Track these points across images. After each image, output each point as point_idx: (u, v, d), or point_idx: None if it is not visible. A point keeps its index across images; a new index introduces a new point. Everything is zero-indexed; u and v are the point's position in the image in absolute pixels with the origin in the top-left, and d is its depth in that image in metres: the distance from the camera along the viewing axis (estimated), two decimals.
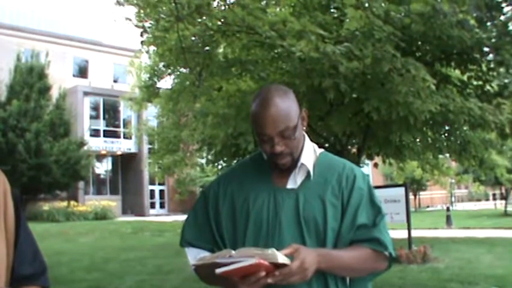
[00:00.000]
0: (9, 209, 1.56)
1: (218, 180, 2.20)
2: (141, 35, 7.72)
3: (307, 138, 2.12)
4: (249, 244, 1.96)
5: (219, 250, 1.92)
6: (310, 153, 2.09)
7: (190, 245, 2.14)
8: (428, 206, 49.86)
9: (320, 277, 1.93)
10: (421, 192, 46.88)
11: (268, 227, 1.98)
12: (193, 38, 8.05)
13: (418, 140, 8.89)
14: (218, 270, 1.73)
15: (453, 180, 43.16)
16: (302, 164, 2.03)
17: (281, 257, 1.73)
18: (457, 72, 7.61)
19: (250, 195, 2.05)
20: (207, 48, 7.99)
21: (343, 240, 1.98)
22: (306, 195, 2.00)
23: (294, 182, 2.04)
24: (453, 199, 50.97)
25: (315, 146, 2.16)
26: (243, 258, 1.71)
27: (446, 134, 8.58)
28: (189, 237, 2.14)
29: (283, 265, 1.76)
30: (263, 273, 1.74)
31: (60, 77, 34.54)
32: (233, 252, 1.77)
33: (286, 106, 1.95)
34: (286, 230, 1.95)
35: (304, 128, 2.07)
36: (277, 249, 1.78)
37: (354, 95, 6.55)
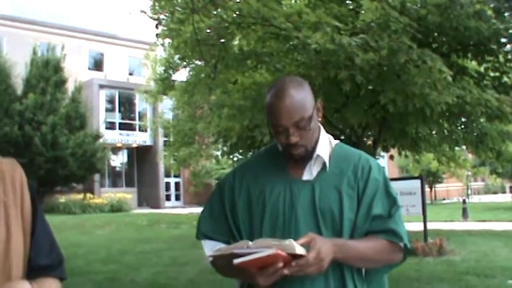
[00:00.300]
0: (26, 201, 1.57)
1: (233, 173, 2.21)
2: (156, 27, 7.73)
3: (322, 130, 2.12)
4: (265, 236, 1.96)
5: (236, 242, 1.92)
6: (325, 144, 2.09)
7: (206, 237, 2.14)
8: (444, 199, 49.58)
9: (336, 268, 1.94)
10: (437, 185, 46.65)
11: (284, 218, 1.99)
12: (208, 30, 8.04)
13: (434, 132, 8.84)
14: (236, 261, 1.72)
15: (469, 173, 42.93)
16: (318, 155, 2.03)
17: (299, 248, 1.73)
18: (474, 63, 7.54)
19: (266, 187, 2.05)
20: (222, 40, 7.98)
21: (359, 230, 1.98)
22: (322, 186, 2.01)
23: (309, 173, 2.04)
24: (469, 192, 50.65)
25: (331, 137, 2.16)
26: (261, 248, 1.70)
27: (463, 126, 8.51)
28: (205, 230, 2.15)
29: (300, 256, 1.76)
30: (281, 264, 1.75)
31: (75, 70, 34.70)
32: (250, 243, 1.77)
33: (301, 97, 1.95)
34: (302, 221, 1.95)
35: (319, 119, 2.07)
36: (294, 240, 1.79)
37: (370, 87, 6.52)
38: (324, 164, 2.04)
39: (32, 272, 1.56)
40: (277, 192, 2.03)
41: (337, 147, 2.12)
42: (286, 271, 1.77)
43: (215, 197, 2.19)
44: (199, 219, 2.20)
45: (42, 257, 1.58)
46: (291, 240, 1.74)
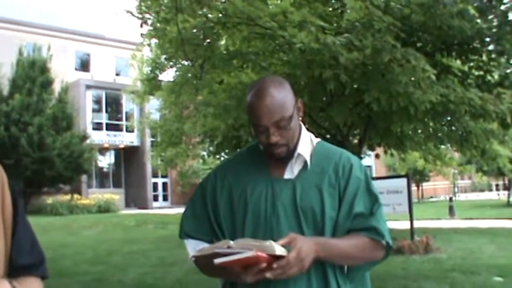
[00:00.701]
0: (6, 200, 1.57)
1: (215, 172, 2.22)
2: (141, 26, 7.72)
3: (303, 128, 2.13)
4: (247, 235, 1.97)
5: (218, 241, 1.92)
6: (307, 142, 2.10)
7: (189, 236, 2.15)
8: (431, 197, 49.80)
9: (318, 267, 1.95)
10: (424, 183, 46.85)
11: (266, 217, 1.99)
12: (194, 30, 8.05)
13: (419, 130, 8.88)
14: (217, 261, 1.74)
15: (456, 171, 43.18)
16: (299, 154, 2.05)
17: (279, 249, 1.74)
18: (458, 62, 7.59)
19: (248, 185, 2.06)
20: (208, 40, 7.98)
21: (341, 229, 1.99)
22: (303, 185, 2.02)
23: (291, 172, 2.05)
24: (456, 190, 50.88)
25: (312, 135, 2.17)
26: (242, 249, 1.72)
27: (447, 125, 8.55)
28: (188, 229, 2.16)
29: (281, 257, 1.77)
30: (264, 265, 1.76)
31: (62, 71, 34.53)
32: (231, 242, 1.78)
33: (281, 97, 1.96)
34: (284, 220, 1.96)
35: (300, 118, 2.09)
36: (276, 240, 1.80)
37: (355, 86, 6.55)
38: (305, 162, 2.05)
39: (14, 271, 1.55)
40: (259, 191, 2.03)
41: (318, 145, 2.13)
42: (268, 275, 1.78)
43: (197, 197, 2.20)
44: (182, 218, 2.20)
45: (24, 257, 1.58)
46: (271, 241, 1.74)
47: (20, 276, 1.55)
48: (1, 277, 1.51)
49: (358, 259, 2.02)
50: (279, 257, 1.77)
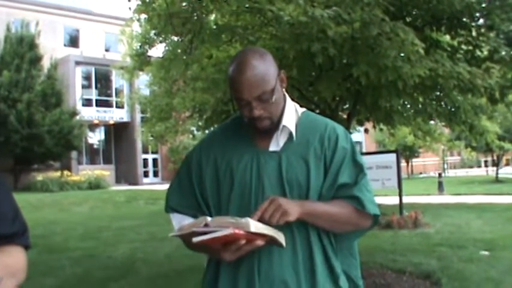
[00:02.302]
0: None
1: (200, 145, 2.21)
2: (129, 0, 7.64)
3: (288, 99, 2.12)
4: (233, 207, 1.99)
5: (203, 215, 1.92)
6: (291, 114, 2.09)
7: (174, 210, 2.15)
8: (421, 173, 50.17)
9: (304, 238, 1.96)
10: (414, 159, 47.15)
11: (251, 189, 1.99)
12: (183, 4, 7.97)
13: (408, 105, 8.87)
14: (195, 239, 1.74)
15: (445, 147, 43.37)
16: (284, 126, 2.03)
17: (254, 226, 1.74)
18: (447, 37, 7.56)
19: (233, 158, 2.06)
20: (197, 14, 7.91)
21: (324, 200, 1.99)
22: (289, 157, 2.01)
23: (276, 144, 2.05)
24: (446, 166, 51.26)
25: (297, 105, 2.16)
26: (218, 228, 1.72)
27: (436, 99, 8.54)
28: (173, 203, 2.16)
29: (262, 235, 1.78)
30: (243, 242, 1.76)
31: (51, 47, 34.34)
32: (209, 219, 1.79)
33: (262, 69, 1.94)
34: (269, 192, 1.96)
35: (284, 89, 2.07)
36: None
37: (343, 60, 6.52)
38: (291, 134, 2.04)
39: None
40: (244, 163, 2.03)
41: (303, 116, 2.12)
42: (259, 242, 1.79)
43: (183, 170, 2.19)
44: (167, 192, 2.21)
45: (5, 226, 1.57)
46: (247, 218, 1.74)
47: (2, 245, 1.54)
48: None
49: (344, 224, 2.00)
50: (258, 235, 1.77)
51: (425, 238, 10.46)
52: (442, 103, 8.76)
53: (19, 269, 1.58)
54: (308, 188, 1.97)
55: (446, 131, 17.55)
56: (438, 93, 8.08)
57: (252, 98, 1.92)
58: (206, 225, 1.77)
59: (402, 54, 5.68)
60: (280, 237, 1.85)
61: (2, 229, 1.56)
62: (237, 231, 1.69)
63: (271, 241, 1.84)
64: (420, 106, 8.76)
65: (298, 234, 1.95)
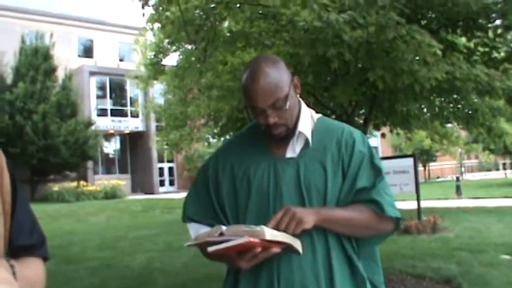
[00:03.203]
0: (5, 181, 1.55)
1: (216, 154, 2.22)
2: (143, 7, 7.67)
3: (303, 105, 2.12)
4: (251, 216, 1.99)
5: (220, 224, 1.91)
6: (307, 120, 2.09)
7: (191, 220, 2.16)
8: (438, 177, 49.79)
9: (323, 244, 1.94)
10: (431, 163, 46.89)
11: (269, 197, 1.99)
12: (196, 11, 8.01)
13: (424, 108, 8.81)
14: (210, 249, 1.74)
15: (463, 151, 43.07)
16: (300, 132, 2.03)
17: (269, 234, 1.73)
18: (463, 39, 7.51)
19: (250, 166, 2.06)
20: (211, 21, 7.94)
21: (342, 205, 1.98)
22: (306, 163, 2.01)
23: (293, 150, 2.04)
24: (463, 169, 50.85)
25: (312, 111, 2.16)
26: (233, 237, 1.71)
27: (453, 102, 8.48)
28: (190, 213, 2.17)
29: (278, 242, 1.77)
30: (259, 250, 1.76)
31: (65, 58, 34.58)
32: (224, 228, 1.78)
33: (276, 76, 1.94)
34: (287, 199, 1.95)
35: (298, 95, 2.07)
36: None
37: (359, 65, 6.49)
38: (307, 140, 2.04)
39: (14, 252, 1.54)
40: (262, 171, 2.03)
41: (319, 121, 2.12)
42: (275, 250, 1.78)
43: (199, 179, 2.20)
44: (184, 202, 2.21)
45: (24, 237, 1.57)
46: (262, 226, 1.74)
47: (21, 257, 1.54)
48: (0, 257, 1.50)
49: (364, 228, 1.99)
50: (274, 242, 1.76)
51: (445, 243, 10.36)
52: (460, 106, 8.70)
53: (38, 281, 1.57)
54: (326, 194, 1.96)
55: (464, 134, 17.46)
56: (455, 96, 8.02)
57: (266, 105, 1.93)
58: (221, 234, 1.76)
59: (418, 58, 5.65)
60: (297, 244, 1.84)
61: (21, 240, 1.56)
62: (252, 239, 1.68)
63: (287, 248, 1.83)
64: (437, 109, 8.70)
65: (317, 239, 1.93)
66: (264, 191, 1.99)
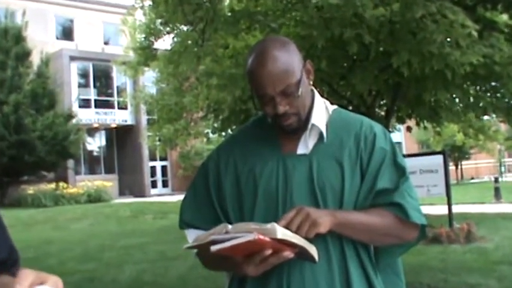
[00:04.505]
0: None
1: (218, 151, 2.22)
2: None
3: (317, 95, 2.12)
4: (258, 220, 1.94)
5: None
6: (321, 111, 2.08)
7: (190, 226, 2.16)
8: (472, 178, 49.65)
9: (340, 254, 1.94)
10: (464, 162, 46.72)
11: (278, 199, 1.99)
12: None
13: (457, 98, 8.80)
14: (213, 248, 1.72)
15: (502, 147, 42.95)
16: (313, 124, 2.03)
17: (281, 233, 1.71)
18: (504, 17, 7.48)
19: (256, 164, 2.06)
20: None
21: (361, 208, 1.98)
22: (320, 160, 2.00)
23: (305, 146, 2.04)
24: (503, 169, 50.63)
25: (327, 102, 2.15)
26: (240, 234, 1.69)
27: (491, 91, 8.44)
28: (188, 218, 2.17)
29: (290, 243, 1.75)
30: (269, 251, 1.74)
31: (41, 40, 34.50)
32: (230, 227, 1.77)
33: (285, 60, 1.94)
34: (298, 201, 1.94)
35: (311, 82, 2.06)
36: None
37: (381, 48, 6.49)
38: (321, 134, 2.03)
39: None
40: (269, 170, 2.03)
41: (334, 113, 2.12)
42: (287, 253, 1.76)
43: (199, 180, 2.20)
44: (181, 205, 2.21)
45: None
46: (274, 223, 1.72)
47: None
48: None
49: (384, 236, 1.99)
50: (286, 244, 1.75)
51: (482, 254, 10.33)
52: (499, 95, 8.68)
53: None
54: (343, 195, 1.95)
55: (504, 127, 17.40)
56: (494, 83, 8.01)
57: (275, 92, 1.92)
58: (227, 233, 1.75)
59: (450, 40, 5.65)
60: (312, 249, 1.82)
61: None
62: (261, 237, 1.66)
63: (300, 254, 1.81)
64: (472, 99, 8.69)
65: (332, 246, 1.93)
66: (272, 193, 1.99)
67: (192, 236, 2.09)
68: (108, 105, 38.82)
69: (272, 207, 1.98)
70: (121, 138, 40.18)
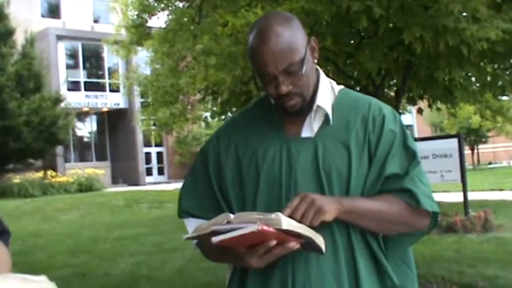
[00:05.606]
0: None
1: (217, 135, 2.23)
2: None
3: (322, 75, 2.13)
4: (260, 207, 1.99)
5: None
6: (327, 92, 2.10)
7: (189, 215, 2.17)
8: (490, 163, 49.68)
9: (347, 245, 1.96)
10: (481, 146, 46.67)
11: (281, 185, 2.00)
12: None
13: (473, 77, 8.76)
14: (215, 239, 1.73)
15: None
16: (318, 106, 2.04)
17: (287, 223, 1.72)
18: None
19: (258, 148, 2.07)
20: None
21: (370, 194, 1.99)
22: (326, 143, 2.02)
23: (309, 129, 2.05)
24: None
25: (333, 82, 2.16)
26: (243, 224, 1.71)
27: (510, 69, 8.41)
28: (187, 206, 2.19)
29: (295, 234, 1.76)
30: (273, 242, 1.76)
31: (25, 18, 34.42)
32: (232, 216, 1.78)
33: (289, 36, 1.95)
34: (303, 187, 1.96)
35: (316, 60, 2.07)
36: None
37: (390, 24, 6.46)
38: (327, 116, 2.05)
39: None
40: (272, 154, 2.04)
41: (341, 94, 2.13)
42: (293, 245, 1.78)
43: (198, 166, 2.22)
44: (180, 194, 2.22)
45: None
46: (278, 213, 1.73)
47: None
48: None
49: (394, 224, 2.00)
50: (292, 235, 1.76)
51: (500, 244, 10.34)
52: None
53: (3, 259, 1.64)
54: (350, 180, 1.97)
55: None
56: None
57: (278, 71, 1.93)
58: (229, 223, 1.76)
59: (465, 13, 5.64)
60: (319, 239, 1.82)
61: None
62: (265, 227, 1.67)
63: (307, 245, 1.82)
64: (489, 78, 8.64)
65: (339, 236, 1.95)
66: (275, 178, 2.00)
67: (192, 225, 2.10)
68: (98, 87, 38.82)
69: (275, 193, 2.00)
70: (113, 122, 40.20)
